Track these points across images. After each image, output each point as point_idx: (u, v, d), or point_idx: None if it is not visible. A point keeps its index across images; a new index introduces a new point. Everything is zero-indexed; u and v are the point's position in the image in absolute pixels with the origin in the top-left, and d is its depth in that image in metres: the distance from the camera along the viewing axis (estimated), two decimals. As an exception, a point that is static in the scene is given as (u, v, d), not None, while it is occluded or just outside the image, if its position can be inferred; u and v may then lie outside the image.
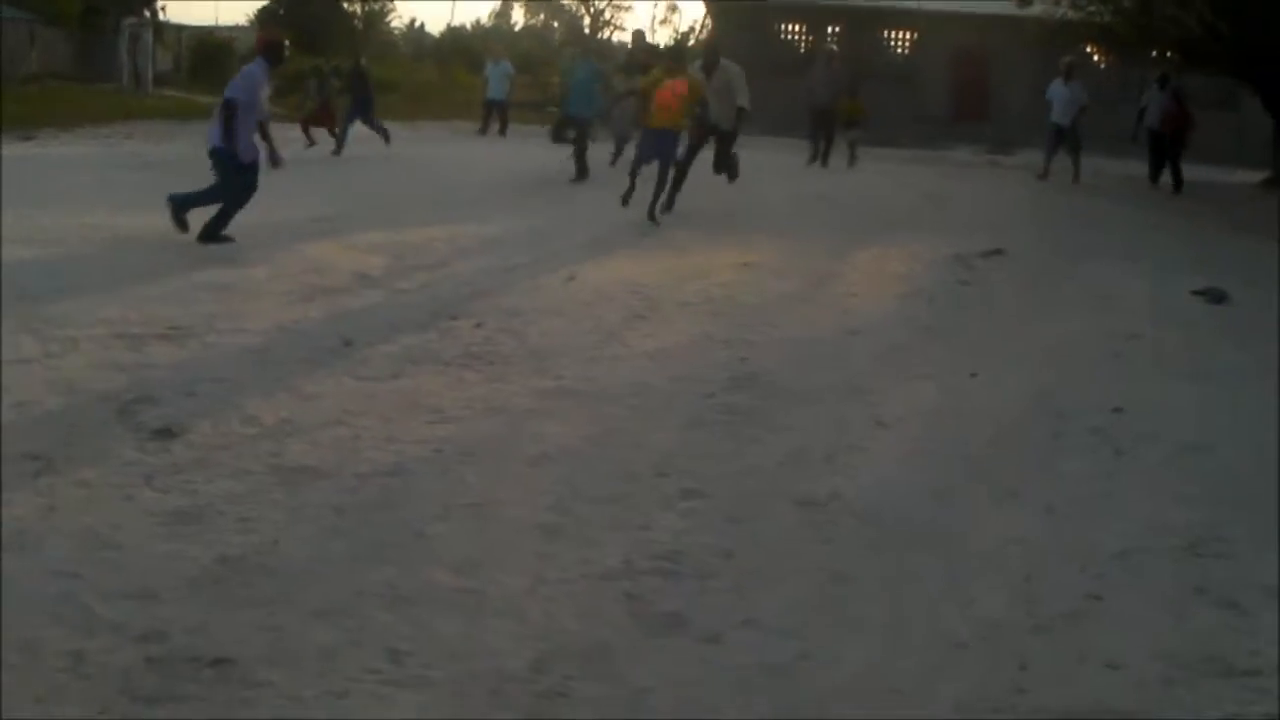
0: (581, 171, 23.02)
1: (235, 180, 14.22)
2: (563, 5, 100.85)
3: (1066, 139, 28.74)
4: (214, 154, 14.36)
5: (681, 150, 18.47)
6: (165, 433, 7.77)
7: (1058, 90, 28.70)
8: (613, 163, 24.12)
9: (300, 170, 19.98)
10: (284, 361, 9.50)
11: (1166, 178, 28.46)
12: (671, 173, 18.13)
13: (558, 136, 28.22)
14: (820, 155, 29.49)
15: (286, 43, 15.42)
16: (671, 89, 17.66)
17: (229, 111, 14.02)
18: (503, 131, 33.73)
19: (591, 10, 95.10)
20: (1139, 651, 5.69)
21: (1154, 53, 32.40)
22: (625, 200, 17.80)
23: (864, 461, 8.15)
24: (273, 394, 8.70)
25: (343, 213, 17.19)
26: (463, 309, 11.55)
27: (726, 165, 20.03)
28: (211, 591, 5.75)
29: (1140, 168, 29.44)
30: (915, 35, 45.29)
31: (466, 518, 6.81)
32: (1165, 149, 28.45)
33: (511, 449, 7.95)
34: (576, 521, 6.81)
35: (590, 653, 5.36)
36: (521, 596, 5.87)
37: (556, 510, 6.94)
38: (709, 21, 55.35)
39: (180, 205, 14.25)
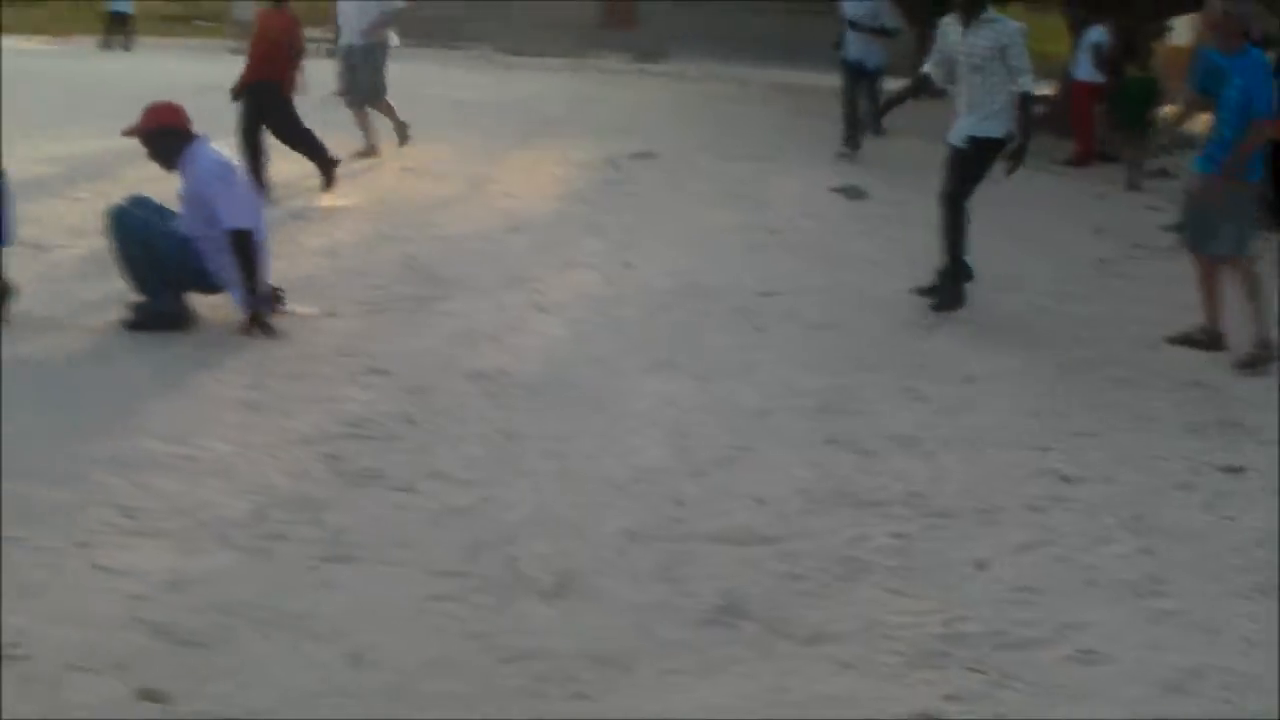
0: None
1: None
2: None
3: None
4: None
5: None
6: None
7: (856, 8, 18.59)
8: None
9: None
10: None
11: None
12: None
13: None
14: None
15: None
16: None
17: None
18: (128, 46, 32.68)
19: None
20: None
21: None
22: None
23: (527, 340, 9.00)
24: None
25: None
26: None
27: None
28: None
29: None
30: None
31: (172, 394, 7.45)
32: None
33: (206, 336, 8.57)
34: (274, 396, 7.50)
35: (299, 503, 6.06)
36: (231, 460, 6.52)
37: (255, 387, 7.61)
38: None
39: None
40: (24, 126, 15.89)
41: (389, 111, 16.64)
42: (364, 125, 16.29)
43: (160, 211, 8.78)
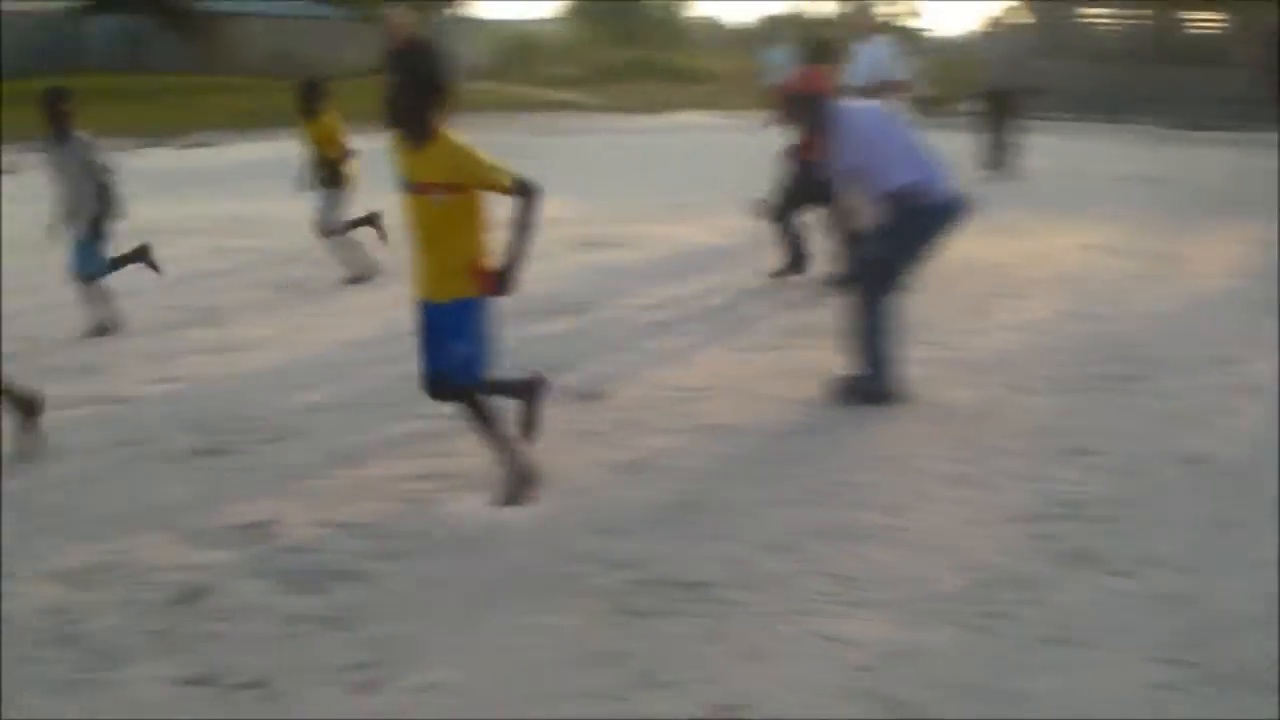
0: None
1: None
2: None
3: None
4: None
5: None
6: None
7: None
8: None
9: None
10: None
11: None
12: None
13: None
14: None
15: None
16: None
17: None
18: None
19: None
20: None
21: None
22: None
23: (1235, 423, 8.79)
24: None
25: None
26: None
27: None
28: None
29: None
30: (1225, 13, 44.39)
31: (881, 467, 7.69)
32: None
33: (913, 409, 8.83)
34: (983, 472, 7.62)
35: (1016, 581, 6.14)
36: (945, 534, 6.69)
37: (963, 462, 7.77)
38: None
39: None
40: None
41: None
42: None
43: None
